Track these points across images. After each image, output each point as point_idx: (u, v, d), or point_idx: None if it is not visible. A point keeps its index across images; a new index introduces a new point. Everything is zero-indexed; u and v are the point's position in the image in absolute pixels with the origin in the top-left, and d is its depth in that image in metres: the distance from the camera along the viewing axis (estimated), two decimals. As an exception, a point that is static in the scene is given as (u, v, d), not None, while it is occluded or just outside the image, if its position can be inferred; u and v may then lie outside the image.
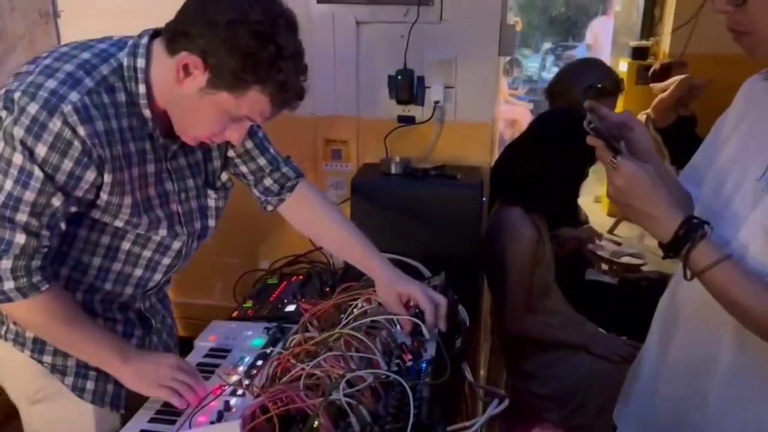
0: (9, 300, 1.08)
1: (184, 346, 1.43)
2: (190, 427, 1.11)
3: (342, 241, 1.42)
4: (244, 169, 1.40)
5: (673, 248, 0.94)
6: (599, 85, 2.18)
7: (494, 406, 0.99)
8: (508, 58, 4.08)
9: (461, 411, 1.32)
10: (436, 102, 1.90)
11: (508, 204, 1.90)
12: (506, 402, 1.01)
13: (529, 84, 8.23)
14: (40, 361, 1.23)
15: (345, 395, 0.98)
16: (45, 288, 1.09)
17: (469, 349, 1.53)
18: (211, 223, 1.35)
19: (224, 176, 1.37)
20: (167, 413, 1.16)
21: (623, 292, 2.37)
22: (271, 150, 1.42)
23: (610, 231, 3.69)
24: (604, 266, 2.41)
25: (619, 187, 0.96)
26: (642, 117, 1.93)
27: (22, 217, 1.04)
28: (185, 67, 1.06)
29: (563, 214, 2.07)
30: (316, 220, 1.44)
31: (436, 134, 1.97)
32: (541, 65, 10.15)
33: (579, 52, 8.50)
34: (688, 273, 0.94)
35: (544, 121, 2.01)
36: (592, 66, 2.38)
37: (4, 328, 1.22)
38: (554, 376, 1.90)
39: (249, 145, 1.37)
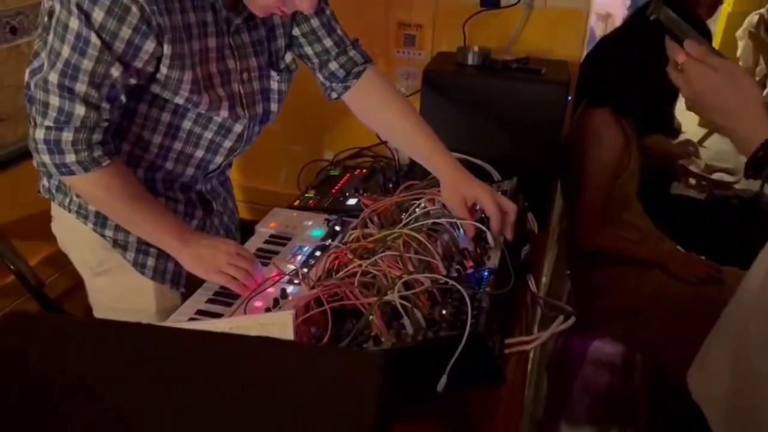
0: (71, 173, 1.07)
1: (247, 230, 1.43)
2: (245, 311, 1.11)
3: (408, 136, 1.31)
4: (308, 50, 1.30)
5: (754, 168, 0.81)
6: None
7: (559, 322, 0.93)
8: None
9: (521, 322, 1.27)
10: (526, -16, 1.70)
11: (595, 105, 1.74)
12: (572, 320, 0.94)
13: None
14: (103, 235, 1.24)
15: (400, 297, 0.94)
16: (106, 163, 1.08)
17: (535, 259, 1.45)
18: (274, 107, 1.28)
19: (288, 57, 1.29)
20: (225, 295, 1.17)
21: (711, 209, 2.20)
22: (339, 31, 1.31)
23: (700, 143, 3.40)
24: (692, 181, 2.22)
25: (686, 95, 0.85)
26: (755, 18, 1.69)
27: (81, 87, 1.01)
28: None
29: (656, 121, 1.87)
30: (382, 112, 1.33)
31: (522, 21, 1.78)
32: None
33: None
34: None
35: (640, 12, 1.77)
36: None
37: (68, 199, 1.23)
38: (622, 290, 1.81)
39: (315, 23, 1.27)
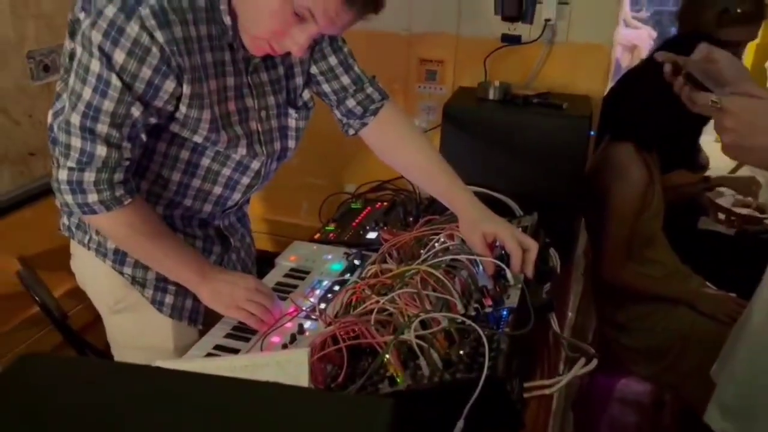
0: (93, 212, 1.08)
1: (268, 262, 1.43)
2: (262, 347, 1.11)
3: (425, 173, 1.31)
4: (326, 88, 1.31)
5: None
6: (738, 10, 1.88)
7: (580, 365, 0.90)
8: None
9: (544, 363, 1.24)
10: (547, 20, 1.71)
11: (619, 140, 1.72)
12: (594, 362, 0.91)
13: (655, 5, 7.41)
14: (121, 273, 1.25)
15: (417, 336, 0.92)
16: (128, 201, 1.09)
17: (555, 294, 1.43)
18: (291, 144, 1.29)
19: (306, 95, 1.29)
20: (242, 330, 1.17)
21: (740, 245, 2.14)
22: (356, 68, 1.32)
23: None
24: (721, 215, 2.17)
25: (730, 129, 0.79)
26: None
27: (102, 128, 1.03)
28: None
29: (680, 155, 1.85)
30: (399, 148, 1.33)
31: (543, 56, 1.79)
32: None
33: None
34: None
35: (667, 47, 1.76)
36: None
37: (87, 237, 1.24)
38: (648, 329, 1.76)
39: (333, 61, 1.28)
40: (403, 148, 1.32)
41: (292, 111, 1.26)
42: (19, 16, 1.62)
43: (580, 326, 2.33)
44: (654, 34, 5.16)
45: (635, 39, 4.89)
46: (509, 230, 1.17)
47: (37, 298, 1.66)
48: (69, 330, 1.68)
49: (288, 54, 1.12)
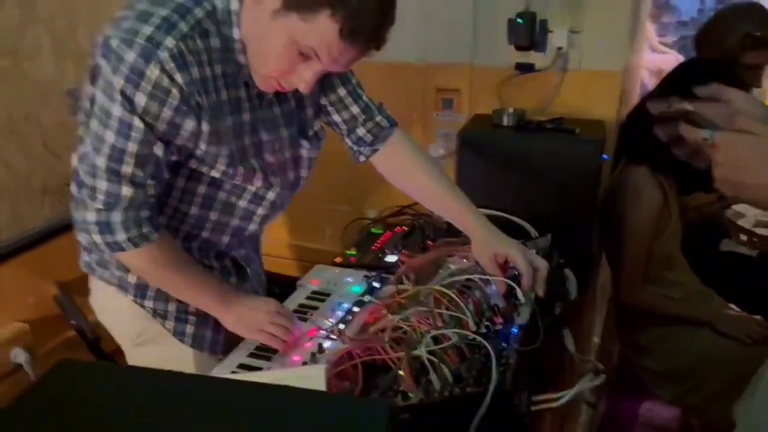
0: (122, 249, 1.12)
1: (292, 286, 1.47)
2: (283, 365, 1.15)
3: (436, 196, 1.35)
4: (337, 117, 1.35)
5: None
6: (758, 34, 1.90)
7: (587, 379, 0.92)
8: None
9: (560, 380, 1.26)
10: (559, 48, 1.75)
11: (634, 163, 1.74)
12: (602, 378, 0.93)
13: (682, 30, 7.37)
14: (142, 306, 1.28)
15: (428, 352, 0.96)
16: (154, 237, 1.12)
17: (574, 316, 1.44)
18: (304, 173, 1.33)
19: (317, 125, 1.33)
20: (265, 350, 1.21)
21: (763, 266, 2.12)
22: (365, 98, 1.36)
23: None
24: (743, 237, 2.16)
25: (721, 163, 0.78)
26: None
27: (127, 169, 1.06)
28: None
29: (696, 178, 1.85)
30: (410, 173, 1.37)
31: (556, 83, 1.83)
32: (699, 11, 9.04)
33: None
34: None
35: (678, 71, 1.79)
36: (753, 11, 2.08)
37: (108, 273, 1.28)
38: (670, 351, 1.75)
39: (342, 92, 1.32)
40: (414, 173, 1.37)
41: (304, 141, 1.30)
42: (59, 56, 1.73)
43: (606, 351, 2.32)
44: (680, 58, 5.16)
45: (661, 63, 4.88)
46: (520, 251, 1.21)
47: (72, 322, 1.74)
48: (102, 353, 1.75)
49: (274, 91, 1.16)
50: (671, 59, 5.01)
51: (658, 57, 4.96)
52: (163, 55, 1.00)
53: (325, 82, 1.30)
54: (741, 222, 2.15)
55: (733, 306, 1.85)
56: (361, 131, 1.37)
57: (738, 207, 2.22)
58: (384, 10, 1.02)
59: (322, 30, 1.00)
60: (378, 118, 1.37)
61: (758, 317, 1.76)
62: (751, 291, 1.92)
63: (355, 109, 1.34)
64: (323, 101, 1.33)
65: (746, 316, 1.76)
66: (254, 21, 1.05)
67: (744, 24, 1.96)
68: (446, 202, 1.34)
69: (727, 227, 2.19)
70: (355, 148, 1.40)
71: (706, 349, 1.70)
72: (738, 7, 2.19)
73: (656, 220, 1.69)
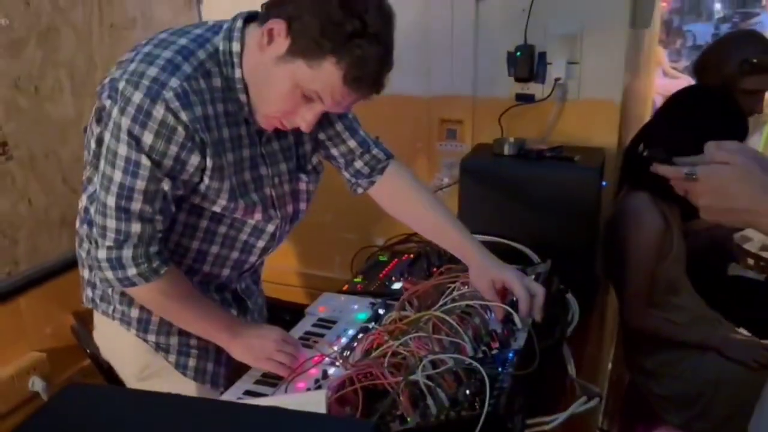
0: (132, 285, 1.16)
1: (300, 313, 1.50)
2: (287, 390, 1.18)
3: (434, 226, 1.38)
4: (335, 151, 1.38)
5: None
6: (754, 60, 1.93)
7: (580, 402, 0.94)
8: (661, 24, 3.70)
9: (561, 403, 1.27)
10: (557, 79, 1.80)
11: (635, 189, 1.76)
12: (595, 401, 0.95)
13: (695, 55, 7.39)
14: (145, 340, 1.31)
15: (426, 377, 0.99)
16: (164, 271, 1.16)
17: (579, 340, 1.45)
18: (303, 206, 1.36)
19: (315, 159, 1.37)
20: (270, 376, 1.24)
21: (771, 290, 2.11)
22: (361, 132, 1.40)
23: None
24: (750, 261, 2.15)
25: (702, 193, 0.85)
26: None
27: (136, 206, 1.10)
28: (270, 32, 1.06)
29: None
30: (407, 204, 1.41)
31: (556, 113, 1.87)
32: (713, 35, 9.07)
33: (763, 22, 7.47)
34: None
35: (677, 98, 1.83)
36: (752, 38, 2.12)
37: (111, 308, 1.31)
38: (677, 376, 1.75)
39: (339, 127, 1.35)
40: (411, 203, 1.40)
41: (302, 175, 1.33)
42: (78, 95, 1.81)
43: (617, 376, 2.31)
44: (693, 82, 5.19)
45: (673, 88, 4.91)
46: (517, 277, 1.23)
47: (88, 351, 1.79)
48: (116, 381, 1.79)
49: (276, 129, 1.21)
50: (683, 83, 5.05)
51: (670, 82, 5.01)
52: (168, 95, 1.05)
53: (322, 118, 1.32)
54: (747, 246, 2.15)
55: (742, 330, 1.85)
56: (358, 164, 1.40)
57: (745, 231, 2.22)
58: (385, 59, 1.07)
59: (326, 76, 1.05)
60: (375, 151, 1.40)
61: (766, 341, 1.76)
62: (759, 315, 1.92)
63: (352, 143, 1.37)
64: (321, 136, 1.36)
65: (753, 341, 1.76)
66: (258, 64, 1.10)
67: (741, 50, 2.00)
68: (444, 231, 1.36)
69: (734, 251, 2.19)
70: (353, 180, 1.43)
71: (714, 374, 1.70)
72: (736, 35, 2.24)
73: (658, 246, 1.71)
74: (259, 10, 1.14)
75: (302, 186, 1.34)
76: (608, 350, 2.62)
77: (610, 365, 2.61)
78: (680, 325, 1.77)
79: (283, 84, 1.09)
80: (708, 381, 1.70)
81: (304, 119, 1.13)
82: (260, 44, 1.08)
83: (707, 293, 1.87)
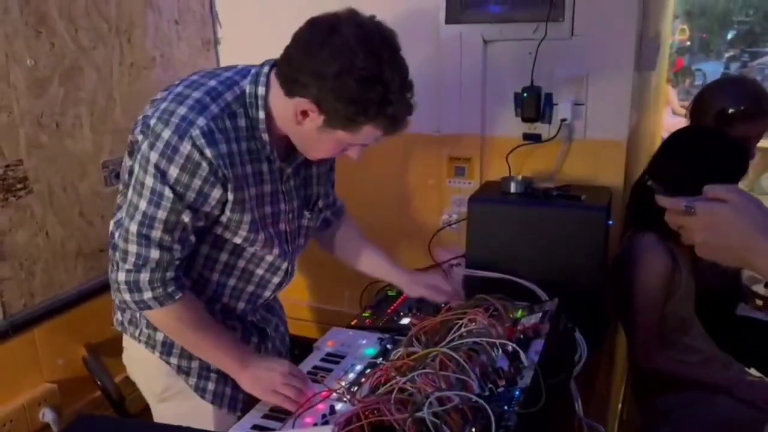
0: (148, 308, 1.22)
1: (310, 348, 1.52)
2: (294, 425, 1.19)
3: (371, 259, 1.58)
4: (320, 203, 1.51)
5: None
6: (730, 111, 1.91)
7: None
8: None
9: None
10: (563, 120, 1.84)
11: (642, 229, 1.78)
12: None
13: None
14: (168, 362, 1.36)
15: (432, 414, 0.99)
16: (178, 296, 1.22)
17: (588, 378, 1.45)
18: (302, 241, 1.45)
19: (321, 203, 1.47)
20: (279, 411, 1.25)
21: (780, 332, 2.09)
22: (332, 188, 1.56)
23: None
24: (759, 302, 2.14)
25: (697, 230, 0.86)
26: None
27: (156, 234, 1.17)
28: (303, 113, 1.15)
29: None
30: (354, 246, 1.60)
31: (562, 152, 1.90)
32: (723, 74, 9.11)
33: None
34: None
35: (673, 139, 1.85)
36: (734, 85, 2.11)
37: (138, 331, 1.37)
38: (688, 417, 1.73)
39: (330, 179, 1.51)
40: (356, 244, 1.59)
41: (306, 213, 1.42)
42: (97, 131, 1.86)
43: (630, 416, 2.27)
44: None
45: (683, 125, 4.95)
46: (440, 275, 1.47)
47: (99, 383, 1.80)
48: (126, 413, 1.80)
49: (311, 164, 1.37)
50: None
51: (679, 120, 5.05)
52: (195, 132, 1.12)
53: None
54: (755, 288, 2.15)
55: (753, 371, 1.84)
56: (327, 213, 1.55)
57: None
58: (411, 105, 1.17)
59: (366, 134, 1.17)
60: (338, 203, 1.59)
61: (777, 382, 1.74)
62: (770, 356, 1.91)
63: (331, 197, 1.54)
64: (321, 190, 1.48)
65: (764, 382, 1.75)
66: (301, 131, 1.20)
67: (720, 99, 1.97)
68: (379, 262, 1.56)
69: (743, 292, 2.19)
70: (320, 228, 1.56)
71: (725, 415, 1.68)
72: (718, 84, 2.20)
73: (666, 285, 1.71)
74: (278, 55, 1.20)
75: (304, 222, 1.42)
76: (618, 389, 2.59)
77: (620, 405, 2.58)
78: (691, 365, 1.76)
79: (329, 143, 1.20)
80: (718, 422, 1.68)
81: (352, 156, 1.26)
82: (296, 120, 1.17)
83: (717, 333, 1.86)
